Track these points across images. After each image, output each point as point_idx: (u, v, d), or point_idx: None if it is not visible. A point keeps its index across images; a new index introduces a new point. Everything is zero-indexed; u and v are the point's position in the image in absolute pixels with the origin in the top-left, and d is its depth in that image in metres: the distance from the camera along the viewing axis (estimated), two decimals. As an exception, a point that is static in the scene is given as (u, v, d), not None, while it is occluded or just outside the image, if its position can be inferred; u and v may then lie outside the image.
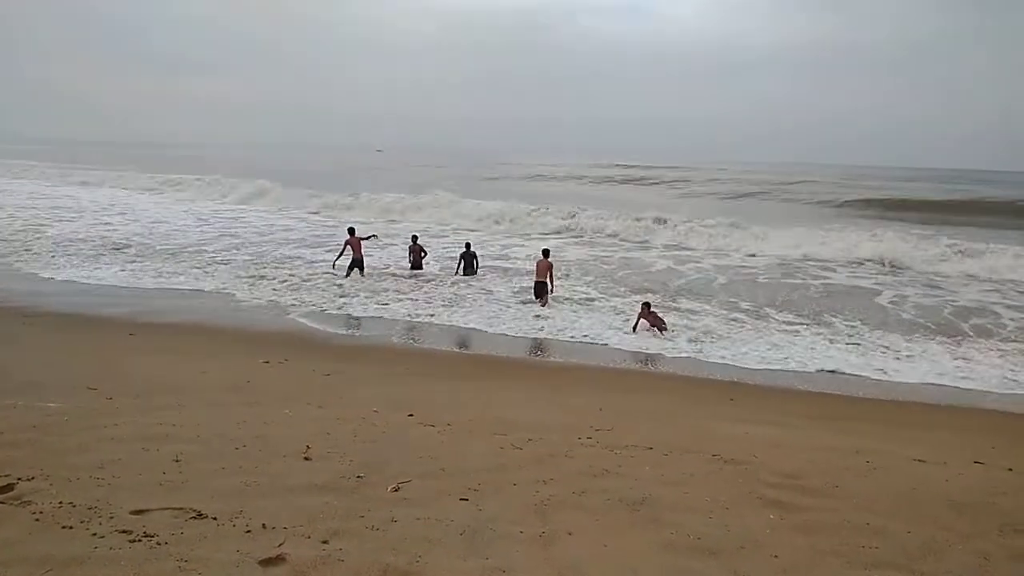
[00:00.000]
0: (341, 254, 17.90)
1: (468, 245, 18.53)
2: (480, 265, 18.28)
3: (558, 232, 28.29)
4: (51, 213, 29.92)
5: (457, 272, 17.78)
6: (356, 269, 17.33)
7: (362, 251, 17.65)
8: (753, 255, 23.47)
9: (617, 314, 14.42)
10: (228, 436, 5.75)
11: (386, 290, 16.25)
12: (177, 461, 5.07)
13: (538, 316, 14.02)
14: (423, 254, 18.67)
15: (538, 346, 12.33)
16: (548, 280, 15.05)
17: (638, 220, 28.52)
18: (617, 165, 77.94)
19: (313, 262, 19.56)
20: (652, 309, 13.26)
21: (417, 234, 19.75)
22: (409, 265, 18.63)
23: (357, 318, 13.84)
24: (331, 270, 17.74)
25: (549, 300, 14.94)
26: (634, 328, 12.99)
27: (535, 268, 15.36)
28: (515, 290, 16.36)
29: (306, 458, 5.34)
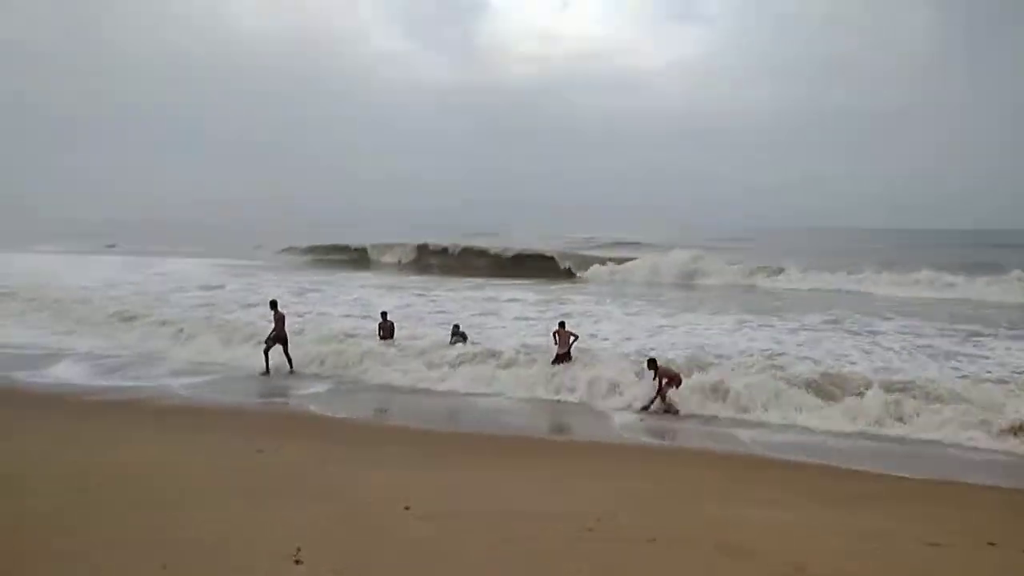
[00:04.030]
0: (271, 334, 15.85)
1: (457, 327, 17.48)
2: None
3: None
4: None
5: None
6: (280, 346, 15.68)
7: (285, 328, 15.89)
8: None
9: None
10: (218, 537, 5.60)
11: (380, 364, 15.70)
12: (164, 568, 4.93)
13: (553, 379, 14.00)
14: (393, 329, 17.38)
15: (541, 421, 12.15)
16: (569, 348, 14.88)
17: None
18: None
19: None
20: (660, 366, 12.93)
21: (387, 311, 18.23)
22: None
23: (347, 395, 13.70)
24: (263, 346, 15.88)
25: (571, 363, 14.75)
26: (659, 395, 12.70)
27: (557, 341, 15.06)
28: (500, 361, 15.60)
29: (297, 561, 5.19)
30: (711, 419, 12.23)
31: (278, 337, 15.76)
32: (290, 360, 15.84)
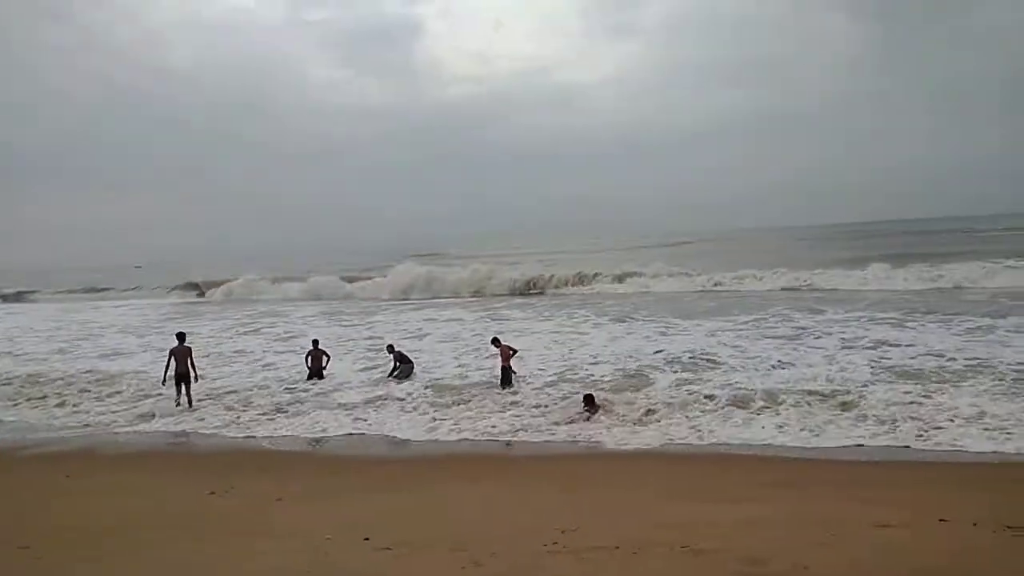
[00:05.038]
0: (167, 367, 14.59)
1: (392, 347, 16.62)
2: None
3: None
4: None
5: (391, 375, 15.87)
6: (182, 384, 14.48)
7: (188, 364, 14.58)
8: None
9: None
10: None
11: (318, 398, 14.74)
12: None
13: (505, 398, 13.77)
14: (325, 360, 16.52)
15: (489, 442, 11.89)
16: (510, 362, 14.78)
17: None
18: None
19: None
20: (597, 402, 12.76)
21: (318, 338, 17.27)
22: (307, 372, 16.29)
23: (297, 430, 13.04)
24: (161, 387, 14.90)
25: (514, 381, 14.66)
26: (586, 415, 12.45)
27: (499, 355, 14.89)
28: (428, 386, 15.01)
29: (256, 605, 5.01)
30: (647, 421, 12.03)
31: (182, 375, 14.50)
32: (190, 400, 14.50)
